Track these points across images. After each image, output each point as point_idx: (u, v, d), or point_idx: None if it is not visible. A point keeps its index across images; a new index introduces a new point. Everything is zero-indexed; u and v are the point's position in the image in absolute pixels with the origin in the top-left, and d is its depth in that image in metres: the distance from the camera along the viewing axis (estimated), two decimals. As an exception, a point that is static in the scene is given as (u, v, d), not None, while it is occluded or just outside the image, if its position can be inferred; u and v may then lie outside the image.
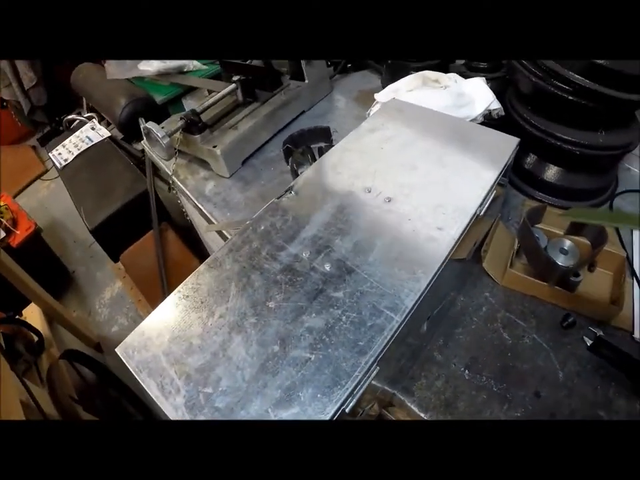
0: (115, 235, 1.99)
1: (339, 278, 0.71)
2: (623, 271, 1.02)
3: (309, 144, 1.29)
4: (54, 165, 2.18)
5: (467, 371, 0.89)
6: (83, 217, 1.94)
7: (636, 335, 0.97)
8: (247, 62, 1.59)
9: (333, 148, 0.96)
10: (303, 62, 1.48)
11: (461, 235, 0.76)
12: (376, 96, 1.27)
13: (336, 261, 0.73)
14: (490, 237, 1.07)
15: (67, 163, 2.11)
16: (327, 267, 0.72)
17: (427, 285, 0.69)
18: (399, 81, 1.29)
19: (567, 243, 1.02)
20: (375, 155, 0.93)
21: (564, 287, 0.97)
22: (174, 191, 1.81)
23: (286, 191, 0.87)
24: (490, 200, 0.85)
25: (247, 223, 0.82)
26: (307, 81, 1.53)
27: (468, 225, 0.78)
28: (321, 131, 1.36)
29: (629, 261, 1.11)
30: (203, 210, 1.28)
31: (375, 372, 0.62)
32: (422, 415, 0.83)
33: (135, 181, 1.98)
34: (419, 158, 0.92)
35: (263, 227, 0.81)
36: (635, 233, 1.18)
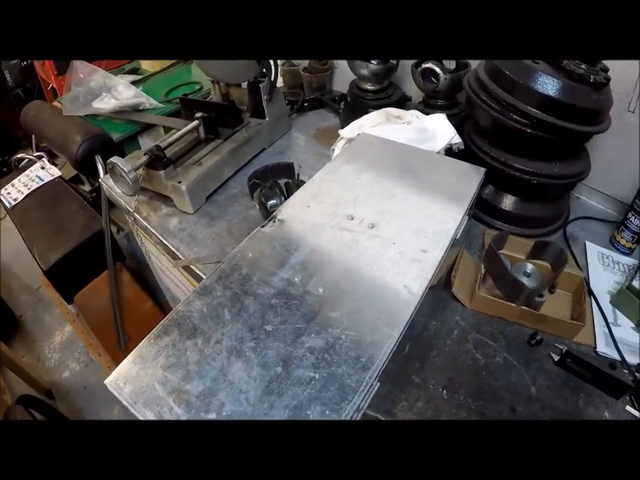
0: (69, 276, 1.94)
1: (333, 299, 0.73)
2: (583, 290, 1.09)
3: (273, 179, 1.33)
4: (3, 204, 2.13)
5: (444, 391, 0.93)
6: (37, 256, 1.88)
7: (599, 348, 1.03)
8: (207, 99, 1.63)
9: (312, 179, 1.00)
10: (264, 100, 1.53)
11: (444, 256, 0.81)
12: (340, 132, 1.32)
13: (329, 283, 0.76)
14: (457, 264, 1.13)
15: (16, 202, 2.07)
16: (321, 290, 0.75)
17: (419, 302, 0.73)
18: (362, 117, 1.34)
19: (529, 267, 1.08)
20: (353, 185, 0.98)
21: (530, 307, 1.03)
22: (123, 232, 1.80)
23: (269, 220, 0.89)
24: (464, 226, 0.91)
25: (234, 250, 0.84)
26: (267, 119, 1.57)
27: (449, 246, 0.83)
28: (284, 166, 1.40)
29: (586, 281, 1.18)
30: (169, 246, 1.27)
31: (376, 387, 0.65)
32: (406, 435, 0.86)
33: (90, 220, 1.95)
34: (395, 186, 0.97)
35: (251, 254, 0.83)
36: (590, 257, 1.27)
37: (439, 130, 1.27)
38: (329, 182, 1.00)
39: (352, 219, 0.88)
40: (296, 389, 0.63)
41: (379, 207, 0.91)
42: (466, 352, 1.00)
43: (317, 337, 0.69)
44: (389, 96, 1.63)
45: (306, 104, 1.86)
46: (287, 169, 1.41)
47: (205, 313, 0.74)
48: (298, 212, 0.92)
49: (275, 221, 0.89)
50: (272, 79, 1.53)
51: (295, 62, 1.97)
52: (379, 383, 0.65)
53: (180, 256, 1.24)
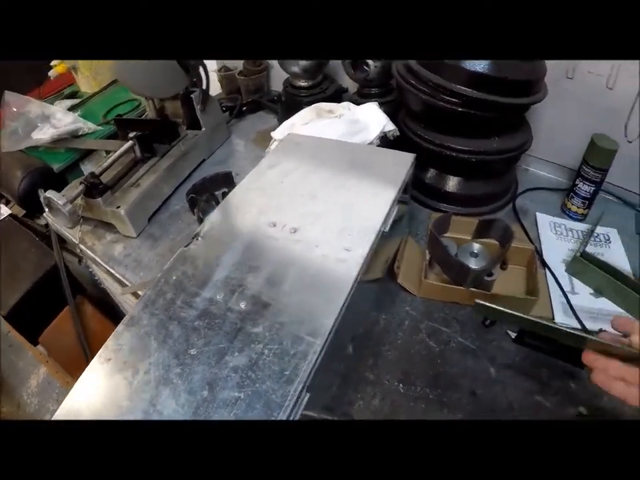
0: (31, 317, 1.89)
1: (256, 314, 0.72)
2: (534, 262, 1.08)
3: (212, 191, 1.31)
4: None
5: (400, 384, 0.92)
6: (-6, 302, 1.86)
7: (557, 319, 1.03)
8: (141, 117, 1.61)
9: (235, 189, 0.98)
10: (197, 110, 1.51)
11: (369, 252, 0.79)
12: (272, 134, 1.30)
13: (251, 297, 0.74)
14: (401, 254, 1.11)
15: (-32, 247, 2.04)
16: (243, 305, 0.73)
17: (343, 304, 0.71)
18: (293, 116, 1.32)
19: (476, 247, 1.08)
20: (276, 190, 0.96)
21: (480, 288, 1.02)
22: (85, 261, 1.77)
23: (193, 238, 0.88)
24: (393, 216, 0.89)
25: (159, 275, 0.83)
26: (203, 129, 1.55)
27: (374, 242, 0.81)
28: (222, 176, 1.39)
29: (539, 253, 1.18)
30: (116, 274, 1.25)
31: (305, 399, 0.63)
32: (365, 435, 0.85)
33: (43, 257, 1.90)
34: (320, 186, 0.95)
35: (174, 277, 0.81)
36: (541, 228, 1.26)
37: (371, 119, 1.25)
38: (252, 190, 0.98)
39: (274, 225, 0.86)
40: (222, 412, 0.61)
41: (302, 209, 0.89)
42: (419, 342, 1.00)
43: (240, 355, 0.67)
44: (324, 90, 1.61)
45: (244, 108, 1.84)
46: (226, 179, 1.39)
47: (133, 345, 0.72)
48: (221, 226, 0.90)
49: (198, 239, 0.88)
50: (203, 87, 1.51)
51: (231, 66, 1.95)
52: (308, 394, 0.64)
53: (127, 283, 1.22)
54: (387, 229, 0.87)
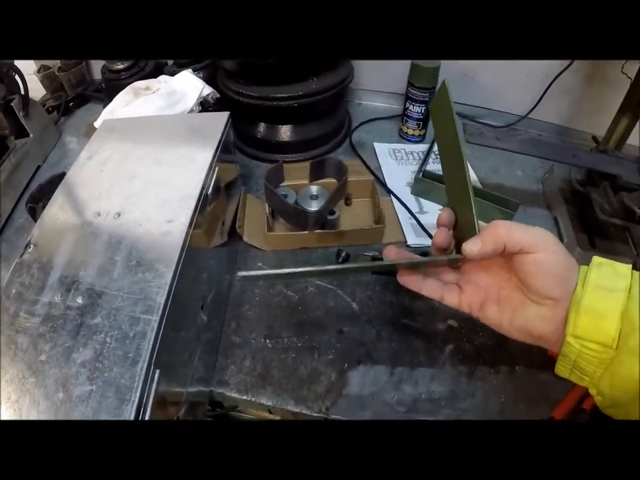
0: None
1: (92, 305, 0.74)
2: (375, 193, 1.15)
3: (50, 196, 1.30)
4: None
5: (267, 340, 0.96)
6: None
7: (409, 242, 1.10)
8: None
9: (58, 188, 0.99)
10: (21, 117, 1.47)
11: (192, 219, 0.83)
12: (95, 124, 1.29)
13: (86, 290, 0.76)
14: (242, 212, 1.15)
15: None
16: (80, 300, 0.75)
17: (174, 276, 0.75)
18: (112, 102, 1.32)
19: (314, 189, 1.13)
20: (96, 179, 0.96)
21: (326, 228, 1.08)
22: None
23: (25, 247, 0.88)
24: (214, 178, 0.92)
25: (-1, 292, 0.83)
26: (31, 135, 1.52)
27: (197, 208, 0.85)
28: (57, 178, 1.36)
29: (382, 182, 1.24)
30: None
31: (156, 375, 0.67)
32: (245, 397, 0.89)
33: None
34: (138, 166, 0.97)
35: (14, 291, 0.81)
36: (380, 157, 1.33)
37: (187, 87, 1.27)
38: (74, 185, 0.99)
39: (99, 215, 0.87)
40: (81, 408, 0.64)
41: (123, 192, 0.91)
42: (277, 294, 1.04)
43: (85, 349, 0.69)
44: (143, 68, 1.59)
45: (71, 104, 1.80)
46: (62, 180, 1.38)
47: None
48: (48, 229, 0.90)
49: (30, 247, 0.88)
50: (22, 92, 1.48)
51: (50, 64, 1.89)
52: (158, 370, 0.68)
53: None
54: (210, 192, 0.90)
